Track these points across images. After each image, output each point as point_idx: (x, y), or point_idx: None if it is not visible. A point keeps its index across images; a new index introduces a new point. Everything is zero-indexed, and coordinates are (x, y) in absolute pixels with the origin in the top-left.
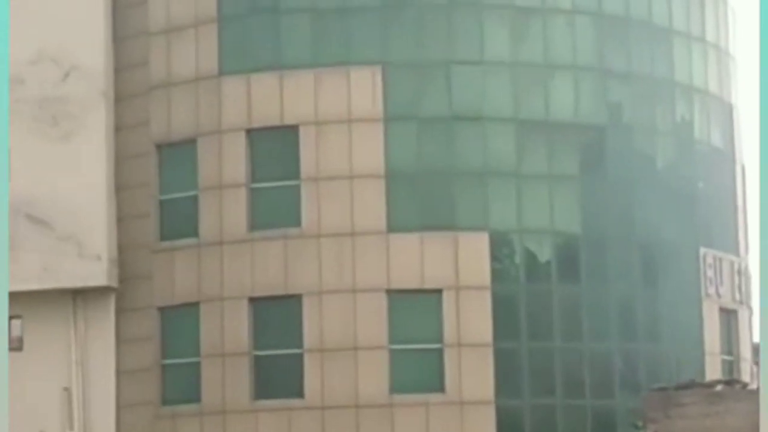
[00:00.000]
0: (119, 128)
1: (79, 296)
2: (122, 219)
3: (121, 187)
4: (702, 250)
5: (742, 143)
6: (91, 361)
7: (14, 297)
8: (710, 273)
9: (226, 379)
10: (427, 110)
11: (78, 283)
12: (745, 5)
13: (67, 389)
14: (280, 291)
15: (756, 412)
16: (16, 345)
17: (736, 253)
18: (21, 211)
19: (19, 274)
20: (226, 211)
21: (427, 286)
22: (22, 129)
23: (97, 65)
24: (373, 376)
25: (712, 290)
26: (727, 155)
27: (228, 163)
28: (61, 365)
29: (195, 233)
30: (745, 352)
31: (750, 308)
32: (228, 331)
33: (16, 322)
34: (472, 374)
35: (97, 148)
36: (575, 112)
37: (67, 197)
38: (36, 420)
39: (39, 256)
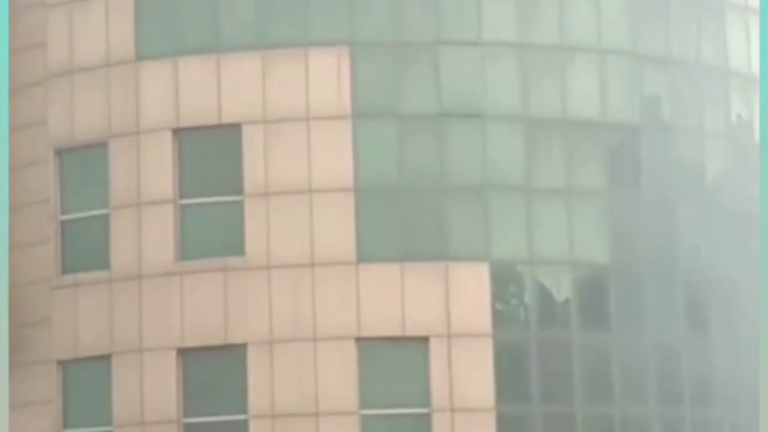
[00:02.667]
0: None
1: None
2: (13, 246)
3: (11, 205)
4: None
5: None
6: None
7: None
8: None
9: None
10: (409, 105)
11: None
12: None
13: None
14: (218, 340)
15: None
16: None
17: None
18: None
19: None
20: (146, 235)
21: (410, 333)
22: None
23: None
24: None
25: None
26: None
27: (149, 173)
28: None
29: (106, 264)
30: None
31: None
32: (149, 393)
33: None
34: None
35: None
36: (601, 107)
37: None
38: None
39: None
